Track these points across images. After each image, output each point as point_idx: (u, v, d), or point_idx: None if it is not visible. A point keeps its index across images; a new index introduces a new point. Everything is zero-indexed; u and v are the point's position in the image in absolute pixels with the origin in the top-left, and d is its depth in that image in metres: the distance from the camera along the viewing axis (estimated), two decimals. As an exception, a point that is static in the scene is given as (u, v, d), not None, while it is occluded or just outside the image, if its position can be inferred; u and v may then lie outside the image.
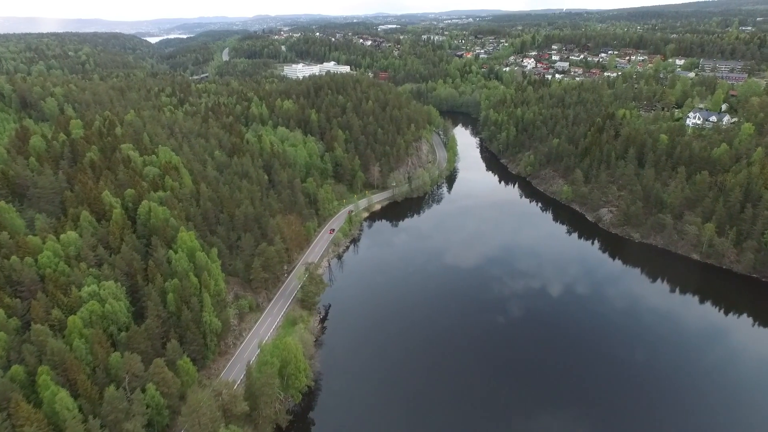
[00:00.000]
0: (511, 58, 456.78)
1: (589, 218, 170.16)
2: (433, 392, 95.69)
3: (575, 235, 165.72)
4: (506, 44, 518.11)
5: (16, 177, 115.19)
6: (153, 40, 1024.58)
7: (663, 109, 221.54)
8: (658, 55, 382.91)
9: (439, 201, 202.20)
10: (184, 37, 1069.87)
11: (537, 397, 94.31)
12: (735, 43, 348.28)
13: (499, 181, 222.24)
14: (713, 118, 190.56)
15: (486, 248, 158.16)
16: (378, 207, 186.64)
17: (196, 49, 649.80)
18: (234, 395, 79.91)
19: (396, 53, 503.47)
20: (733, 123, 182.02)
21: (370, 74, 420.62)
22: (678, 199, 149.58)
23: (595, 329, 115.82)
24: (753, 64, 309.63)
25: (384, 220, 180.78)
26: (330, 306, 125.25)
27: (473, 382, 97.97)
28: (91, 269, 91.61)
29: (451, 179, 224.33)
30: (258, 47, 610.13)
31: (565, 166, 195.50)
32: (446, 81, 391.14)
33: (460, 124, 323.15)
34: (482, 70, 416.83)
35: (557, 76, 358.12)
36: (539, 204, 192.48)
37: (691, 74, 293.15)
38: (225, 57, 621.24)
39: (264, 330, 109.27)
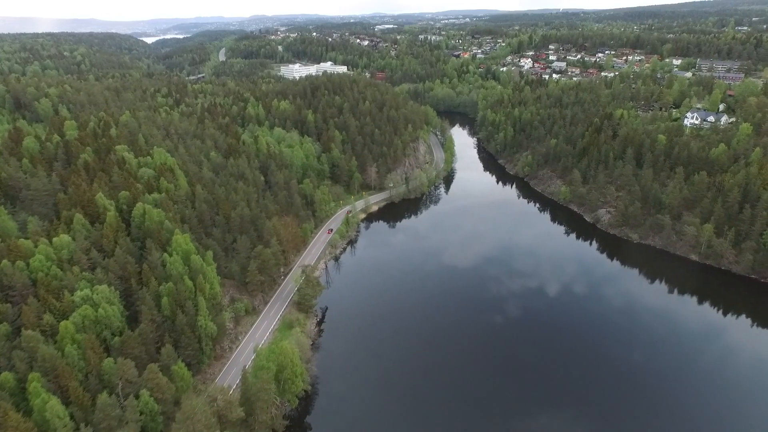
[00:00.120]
0: (508, 58, 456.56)
1: (587, 219, 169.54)
2: (432, 393, 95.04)
3: (573, 235, 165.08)
4: (503, 44, 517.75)
5: (8, 179, 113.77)
6: (149, 40, 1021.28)
7: (661, 109, 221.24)
8: (655, 55, 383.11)
9: (436, 202, 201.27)
10: (181, 37, 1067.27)
11: (536, 396, 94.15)
12: (731, 43, 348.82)
13: (497, 182, 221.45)
14: (711, 118, 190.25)
15: (484, 249, 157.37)
16: (375, 208, 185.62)
17: (192, 50, 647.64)
18: (229, 401, 78.67)
19: (393, 53, 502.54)
20: (731, 123, 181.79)
21: (367, 74, 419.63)
22: (676, 199, 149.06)
23: (593, 330, 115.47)
24: (749, 63, 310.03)
25: (381, 221, 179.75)
26: (327, 308, 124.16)
27: (472, 383, 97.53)
28: (84, 273, 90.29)
29: (448, 180, 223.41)
30: (255, 47, 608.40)
31: (562, 166, 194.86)
32: (443, 81, 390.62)
33: (458, 125, 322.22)
34: (479, 70, 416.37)
35: (554, 76, 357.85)
36: (537, 204, 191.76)
37: (688, 74, 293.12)
38: (221, 57, 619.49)
39: (260, 333, 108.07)
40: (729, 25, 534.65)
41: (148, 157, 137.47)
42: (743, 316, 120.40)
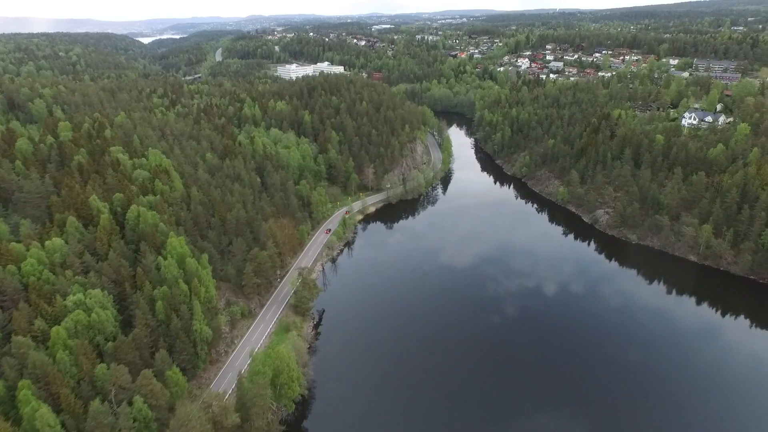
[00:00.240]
0: (506, 58, 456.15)
1: (586, 220, 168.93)
2: (430, 395, 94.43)
3: (571, 236, 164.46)
4: (500, 44, 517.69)
5: (1, 181, 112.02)
6: (145, 40, 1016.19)
7: (658, 109, 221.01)
8: (652, 55, 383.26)
9: (434, 202, 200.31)
10: (177, 37, 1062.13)
11: (534, 396, 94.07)
12: (728, 43, 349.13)
13: (495, 182, 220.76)
14: (709, 119, 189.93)
15: (481, 250, 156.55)
16: (372, 209, 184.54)
17: (188, 50, 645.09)
18: (224, 407, 77.49)
19: (390, 53, 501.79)
20: (729, 123, 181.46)
21: (364, 75, 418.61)
22: (675, 200, 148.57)
23: (592, 330, 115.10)
24: (746, 63, 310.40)
25: (378, 222, 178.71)
26: (324, 311, 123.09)
27: (470, 384, 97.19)
28: (77, 277, 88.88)
29: (446, 180, 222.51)
30: (251, 47, 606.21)
31: (560, 166, 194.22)
32: (440, 81, 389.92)
33: (455, 125, 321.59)
34: (476, 70, 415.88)
35: (552, 76, 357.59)
36: (535, 205, 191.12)
37: (685, 74, 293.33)
38: (218, 57, 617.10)
39: (256, 337, 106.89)
40: (725, 25, 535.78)
41: (143, 158, 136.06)
42: (742, 316, 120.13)
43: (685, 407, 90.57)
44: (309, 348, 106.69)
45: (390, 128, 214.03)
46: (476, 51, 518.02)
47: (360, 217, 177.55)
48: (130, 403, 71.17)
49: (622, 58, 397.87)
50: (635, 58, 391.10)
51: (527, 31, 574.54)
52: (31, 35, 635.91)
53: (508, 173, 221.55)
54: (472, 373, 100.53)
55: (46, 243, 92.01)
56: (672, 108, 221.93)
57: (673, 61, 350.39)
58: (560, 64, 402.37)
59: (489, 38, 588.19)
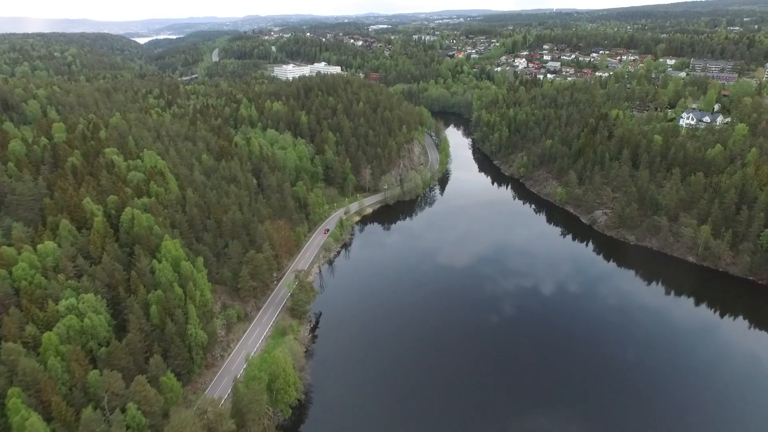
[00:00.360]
0: (503, 58, 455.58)
1: (584, 220, 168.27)
2: (428, 396, 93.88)
3: (570, 237, 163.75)
4: (497, 44, 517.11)
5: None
6: (142, 40, 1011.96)
7: (656, 109, 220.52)
8: (649, 55, 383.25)
9: (431, 203, 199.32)
10: (174, 37, 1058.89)
11: (533, 396, 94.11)
12: (724, 43, 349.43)
13: (492, 183, 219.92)
14: (707, 119, 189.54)
15: (479, 252, 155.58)
16: (369, 210, 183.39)
17: (185, 50, 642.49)
18: (220, 413, 76.33)
19: (387, 53, 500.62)
20: (727, 123, 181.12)
21: (361, 75, 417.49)
22: (673, 200, 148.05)
23: (590, 331, 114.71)
24: (743, 63, 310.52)
25: (376, 223, 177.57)
26: (321, 314, 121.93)
27: (469, 385, 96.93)
28: (69, 281, 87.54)
29: (443, 181, 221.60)
30: (248, 48, 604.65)
31: (558, 167, 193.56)
32: (438, 81, 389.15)
33: (452, 125, 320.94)
34: (474, 70, 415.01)
35: (549, 76, 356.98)
36: (533, 206, 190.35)
37: (682, 74, 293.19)
38: (215, 58, 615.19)
39: (253, 341, 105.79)
40: (721, 25, 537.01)
41: (138, 160, 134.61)
42: (740, 317, 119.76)
43: (683, 407, 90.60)
44: (306, 351, 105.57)
45: (387, 129, 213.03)
46: (473, 51, 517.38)
47: (357, 218, 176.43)
48: (124, 410, 70.01)
49: (619, 58, 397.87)
50: (632, 58, 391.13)
51: (524, 31, 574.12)
52: (26, 35, 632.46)
53: (506, 174, 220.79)
54: (470, 373, 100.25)
55: (39, 246, 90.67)
56: (669, 108, 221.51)
57: (670, 61, 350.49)
58: (557, 64, 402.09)
59: (486, 38, 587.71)
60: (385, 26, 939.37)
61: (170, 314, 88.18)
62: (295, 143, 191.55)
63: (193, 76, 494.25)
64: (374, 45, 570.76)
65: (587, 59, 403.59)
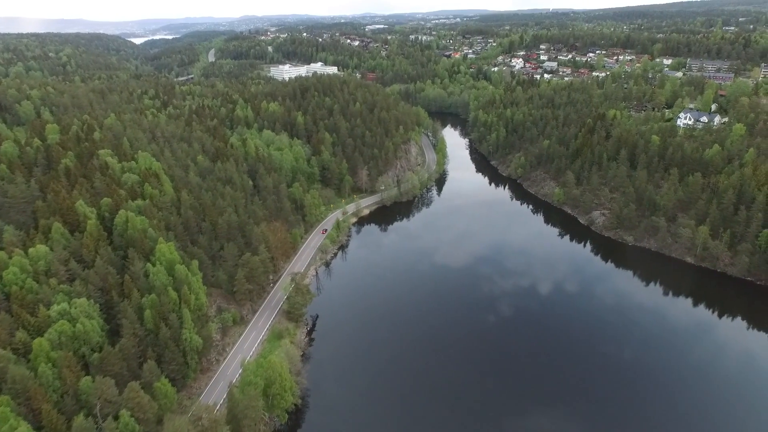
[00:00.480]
0: (500, 58, 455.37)
1: (582, 221, 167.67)
2: (425, 397, 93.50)
3: (567, 238, 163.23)
4: (494, 44, 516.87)
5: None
6: (138, 40, 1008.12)
7: (653, 109, 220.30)
8: (646, 55, 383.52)
9: (428, 204, 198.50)
10: (170, 37, 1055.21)
11: (530, 396, 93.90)
12: (721, 43, 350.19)
13: (490, 184, 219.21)
14: (704, 119, 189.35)
15: (477, 252, 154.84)
16: (366, 212, 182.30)
17: (181, 50, 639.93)
18: (215, 419, 75.14)
19: (384, 54, 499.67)
20: (724, 123, 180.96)
21: (358, 75, 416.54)
22: (671, 201, 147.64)
23: (588, 330, 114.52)
24: (739, 63, 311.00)
25: (373, 225, 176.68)
26: (317, 317, 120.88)
27: (466, 386, 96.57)
28: (61, 285, 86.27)
29: (440, 182, 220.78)
30: (244, 48, 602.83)
31: (556, 167, 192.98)
32: (434, 81, 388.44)
33: (449, 125, 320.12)
34: (470, 70, 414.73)
35: (546, 76, 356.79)
36: (531, 206, 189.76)
37: (679, 74, 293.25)
38: (211, 58, 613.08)
39: (248, 344, 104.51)
40: (717, 25, 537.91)
41: (133, 161, 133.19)
42: (738, 318, 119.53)
43: (681, 407, 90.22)
44: (302, 355, 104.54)
45: (384, 129, 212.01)
46: (470, 51, 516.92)
47: (354, 219, 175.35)
48: (117, 418, 68.76)
49: (615, 57, 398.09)
50: (629, 58, 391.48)
51: (521, 31, 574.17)
52: (20, 35, 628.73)
53: (503, 174, 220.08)
54: (468, 374, 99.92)
55: (30, 250, 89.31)
56: (667, 108, 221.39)
57: (667, 61, 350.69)
58: (554, 64, 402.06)
59: (483, 38, 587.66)
60: (382, 26, 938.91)
61: (164, 318, 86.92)
62: (291, 144, 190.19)
63: (189, 76, 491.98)
64: (371, 45, 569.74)
65: (584, 59, 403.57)
